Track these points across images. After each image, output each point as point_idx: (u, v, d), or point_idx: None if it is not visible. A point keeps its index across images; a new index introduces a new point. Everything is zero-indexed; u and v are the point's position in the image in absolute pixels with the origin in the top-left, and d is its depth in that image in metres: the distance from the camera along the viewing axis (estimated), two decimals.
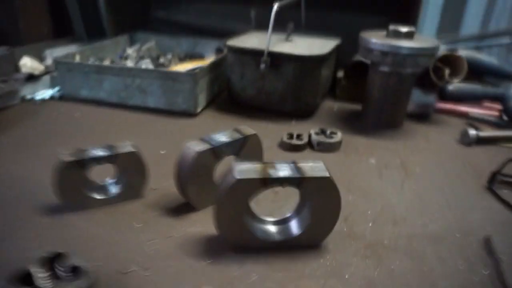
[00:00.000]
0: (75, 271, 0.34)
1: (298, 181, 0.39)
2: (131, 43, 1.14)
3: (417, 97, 0.84)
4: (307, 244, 0.43)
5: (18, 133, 0.70)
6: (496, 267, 0.41)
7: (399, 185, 0.57)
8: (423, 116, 0.85)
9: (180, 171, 0.46)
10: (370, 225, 0.48)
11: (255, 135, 0.50)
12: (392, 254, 0.43)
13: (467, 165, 0.65)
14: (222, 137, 0.48)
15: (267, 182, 0.38)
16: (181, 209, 0.49)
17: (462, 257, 0.43)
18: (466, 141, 0.72)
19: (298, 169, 0.40)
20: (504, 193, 0.56)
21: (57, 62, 0.83)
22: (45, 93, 0.86)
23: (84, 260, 0.35)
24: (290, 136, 0.68)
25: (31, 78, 0.91)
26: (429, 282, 0.39)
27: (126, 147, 0.48)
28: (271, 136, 0.71)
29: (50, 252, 0.34)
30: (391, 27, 0.72)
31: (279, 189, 0.50)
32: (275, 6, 0.73)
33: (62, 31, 1.18)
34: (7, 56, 0.88)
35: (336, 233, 0.46)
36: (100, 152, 0.46)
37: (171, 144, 0.67)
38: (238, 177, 0.38)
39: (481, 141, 0.72)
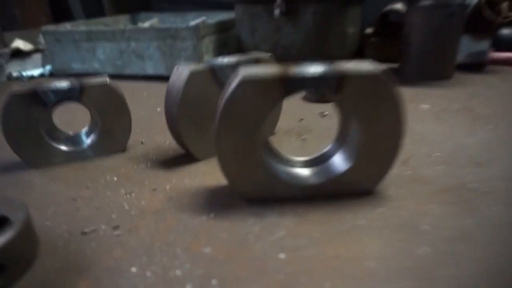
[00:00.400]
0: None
1: (335, 82, 0.25)
2: (133, 23, 1.04)
3: (467, 45, 0.69)
4: (354, 190, 0.29)
5: None
6: None
7: (468, 127, 0.43)
8: (475, 66, 0.70)
9: (170, 105, 0.34)
10: (442, 167, 0.34)
11: (269, 58, 0.37)
12: (485, 199, 0.28)
13: None
14: (226, 59, 0.35)
15: (288, 84, 0.25)
16: (177, 160, 0.37)
17: None
18: None
19: (335, 67, 0.26)
20: None
21: (45, 33, 0.73)
22: (33, 71, 0.76)
23: (19, 210, 0.23)
24: None
25: (19, 54, 0.82)
26: None
27: (97, 79, 0.36)
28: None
29: None
30: None
31: (307, 134, 0.36)
32: None
33: (61, 17, 1.10)
34: None
35: (396, 178, 0.32)
36: (62, 84, 0.34)
37: None
38: (244, 77, 0.25)
39: None
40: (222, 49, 0.74)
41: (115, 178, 0.33)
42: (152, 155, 0.38)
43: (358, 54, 0.81)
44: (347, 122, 0.28)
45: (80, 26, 0.84)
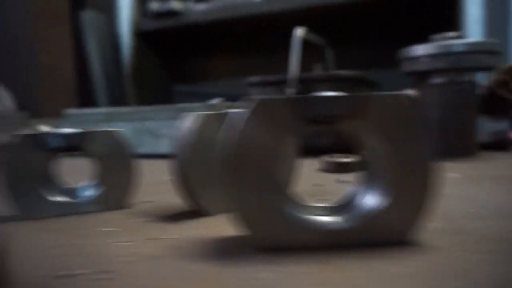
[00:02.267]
0: None
1: (357, 103, 0.23)
2: None
3: (487, 125, 0.68)
4: (384, 238, 0.24)
5: None
6: None
7: (503, 188, 0.39)
8: (498, 146, 0.68)
9: (180, 151, 0.32)
10: (481, 221, 0.29)
11: None
12: None
13: None
14: (235, 104, 0.34)
15: (304, 106, 0.23)
16: (185, 216, 0.33)
17: None
18: None
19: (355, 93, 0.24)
20: None
21: (67, 115, 0.76)
22: None
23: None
24: (332, 155, 0.52)
25: None
26: None
27: (103, 128, 0.35)
28: (307, 166, 0.56)
29: None
30: (436, 35, 0.62)
31: (325, 196, 0.33)
32: (300, 29, 0.66)
33: (86, 105, 1.17)
34: (21, 119, 0.83)
35: (430, 230, 0.27)
36: (64, 130, 0.33)
37: None
38: (260, 99, 0.23)
39: None
40: None
41: (113, 229, 0.30)
42: (157, 212, 0.34)
43: None
44: (372, 156, 0.25)
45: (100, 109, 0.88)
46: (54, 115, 1.10)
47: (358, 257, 0.23)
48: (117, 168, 0.34)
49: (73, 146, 0.33)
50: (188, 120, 0.32)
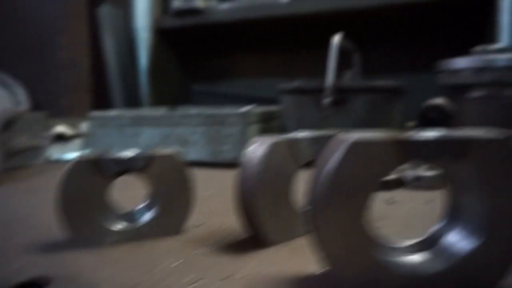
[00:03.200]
0: None
1: (458, 146, 0.22)
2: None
3: None
4: (476, 282, 0.23)
5: (32, 187, 0.58)
6: None
7: None
8: None
9: (244, 183, 0.30)
10: None
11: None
12: None
13: None
14: (305, 133, 0.33)
15: (404, 148, 0.22)
16: (245, 245, 0.32)
17: None
18: None
19: (454, 132, 0.23)
20: None
21: (91, 117, 0.75)
22: (73, 154, 0.76)
23: None
24: None
25: (61, 139, 0.83)
26: None
27: (163, 150, 0.33)
28: None
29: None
30: (479, 47, 0.61)
31: (379, 222, 0.33)
32: (337, 36, 0.64)
33: (103, 105, 1.15)
34: (40, 120, 0.82)
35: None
36: (127, 153, 0.32)
37: (217, 188, 0.52)
38: (355, 140, 0.22)
39: None
40: None
41: (176, 264, 0.28)
42: (212, 239, 0.33)
43: None
44: (463, 195, 0.24)
45: (126, 112, 0.87)
46: (70, 113, 1.09)
47: None
48: (176, 192, 0.33)
49: (134, 170, 0.31)
50: (255, 147, 0.30)
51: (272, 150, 0.29)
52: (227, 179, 0.57)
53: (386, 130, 0.24)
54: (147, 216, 0.33)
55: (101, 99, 1.18)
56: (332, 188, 0.22)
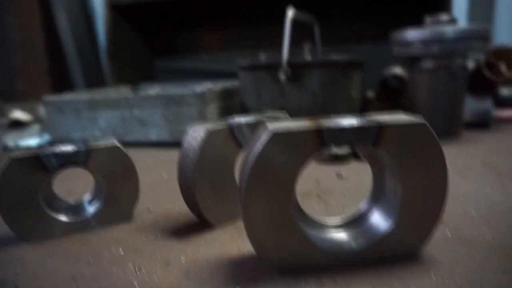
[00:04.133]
0: None
1: (374, 133, 0.23)
2: (134, 92, 1.05)
3: (471, 104, 0.70)
4: (397, 254, 0.25)
5: None
6: None
7: (496, 183, 0.41)
8: (481, 125, 0.70)
9: (184, 167, 0.31)
10: (484, 228, 0.30)
11: (287, 116, 0.36)
12: None
13: None
14: (243, 118, 0.33)
15: (324, 136, 0.23)
16: (189, 229, 0.33)
17: None
18: None
19: (371, 118, 0.24)
20: None
21: (47, 102, 0.73)
22: (31, 141, 0.74)
23: None
24: None
25: (17, 125, 0.81)
26: None
27: (105, 142, 0.33)
28: None
29: None
30: (429, 18, 0.62)
31: (328, 198, 0.34)
32: (290, 12, 0.64)
33: (62, 86, 1.11)
34: None
35: (438, 240, 0.28)
36: (66, 147, 0.31)
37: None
38: (276, 130, 0.22)
39: None
40: (226, 116, 0.74)
41: (122, 251, 0.29)
42: (162, 224, 0.34)
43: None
44: (384, 176, 0.26)
45: (82, 95, 0.84)
46: (27, 97, 1.04)
47: (373, 278, 0.23)
48: (121, 181, 0.33)
49: (76, 163, 0.31)
50: (194, 134, 0.31)
51: (210, 138, 0.30)
52: None
53: (308, 119, 0.24)
54: (93, 207, 0.33)
55: (61, 81, 1.13)
56: (255, 174, 0.23)
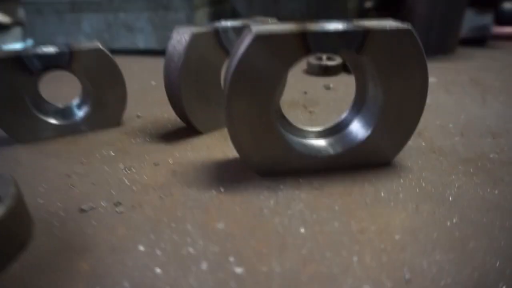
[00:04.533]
0: None
1: (359, 39, 0.23)
2: None
3: (470, 19, 0.67)
4: (372, 161, 0.27)
5: None
6: None
7: (479, 98, 0.41)
8: (478, 41, 0.68)
9: (170, 73, 0.31)
10: (458, 139, 0.32)
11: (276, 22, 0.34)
12: (508, 169, 0.27)
13: None
14: (231, 22, 0.32)
15: (308, 40, 0.23)
16: (177, 134, 0.34)
17: None
18: None
19: (356, 24, 0.24)
20: None
21: (24, 2, 0.68)
22: (14, 45, 0.72)
23: (8, 185, 0.20)
24: (318, 57, 0.52)
25: None
26: None
27: (89, 44, 0.32)
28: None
29: None
30: None
31: (313, 106, 0.34)
32: None
33: None
34: None
35: (412, 149, 0.30)
36: (49, 49, 0.31)
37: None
38: (259, 33, 0.22)
39: None
40: (215, 20, 0.71)
41: (112, 153, 0.31)
42: (150, 129, 0.35)
43: None
44: (367, 85, 0.26)
45: None
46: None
47: (347, 182, 0.25)
48: (107, 85, 0.33)
49: (60, 66, 0.31)
50: (179, 37, 0.30)
51: (194, 40, 0.29)
52: None
53: (294, 23, 0.24)
54: (82, 111, 0.34)
55: None
56: (238, 78, 0.23)
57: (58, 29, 0.69)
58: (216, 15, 0.69)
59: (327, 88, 0.46)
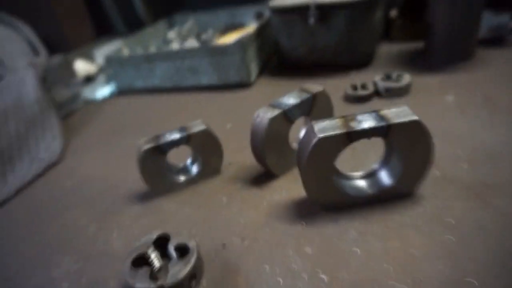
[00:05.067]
0: (182, 249, 0.35)
1: (385, 129, 0.36)
2: (170, 26, 1.14)
3: (488, 19, 0.75)
4: (400, 195, 0.41)
5: (90, 132, 0.74)
6: None
7: (488, 121, 0.52)
8: (496, 40, 0.76)
9: (255, 141, 0.46)
10: (465, 166, 0.44)
11: (323, 91, 0.48)
12: (499, 194, 0.39)
13: None
14: (291, 99, 0.46)
15: (352, 136, 0.36)
16: (261, 178, 0.49)
17: None
18: None
19: (382, 117, 0.37)
20: None
21: (109, 59, 0.85)
22: (103, 91, 0.89)
23: (185, 238, 0.36)
24: (354, 87, 0.65)
25: (88, 80, 0.95)
26: None
27: (197, 126, 0.48)
28: (332, 91, 0.68)
29: (157, 235, 0.35)
30: None
31: (356, 144, 0.48)
32: None
33: (103, 30, 1.21)
34: (63, 63, 0.92)
35: (430, 180, 0.43)
36: (175, 135, 0.47)
37: (235, 117, 0.67)
38: (320, 135, 0.36)
39: None
40: (261, 51, 0.84)
41: (224, 199, 0.47)
42: (241, 176, 0.51)
43: (385, 36, 0.89)
44: (391, 151, 0.40)
45: (131, 43, 0.95)
46: (75, 43, 1.15)
47: (382, 212, 0.39)
48: (211, 151, 0.49)
49: (181, 144, 0.47)
50: (259, 119, 0.45)
51: (270, 124, 0.44)
52: (239, 103, 0.71)
53: (339, 120, 0.37)
54: (195, 168, 0.50)
55: (102, 24, 1.21)
56: (310, 158, 0.37)
57: (136, 75, 0.85)
58: (260, 46, 0.82)
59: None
